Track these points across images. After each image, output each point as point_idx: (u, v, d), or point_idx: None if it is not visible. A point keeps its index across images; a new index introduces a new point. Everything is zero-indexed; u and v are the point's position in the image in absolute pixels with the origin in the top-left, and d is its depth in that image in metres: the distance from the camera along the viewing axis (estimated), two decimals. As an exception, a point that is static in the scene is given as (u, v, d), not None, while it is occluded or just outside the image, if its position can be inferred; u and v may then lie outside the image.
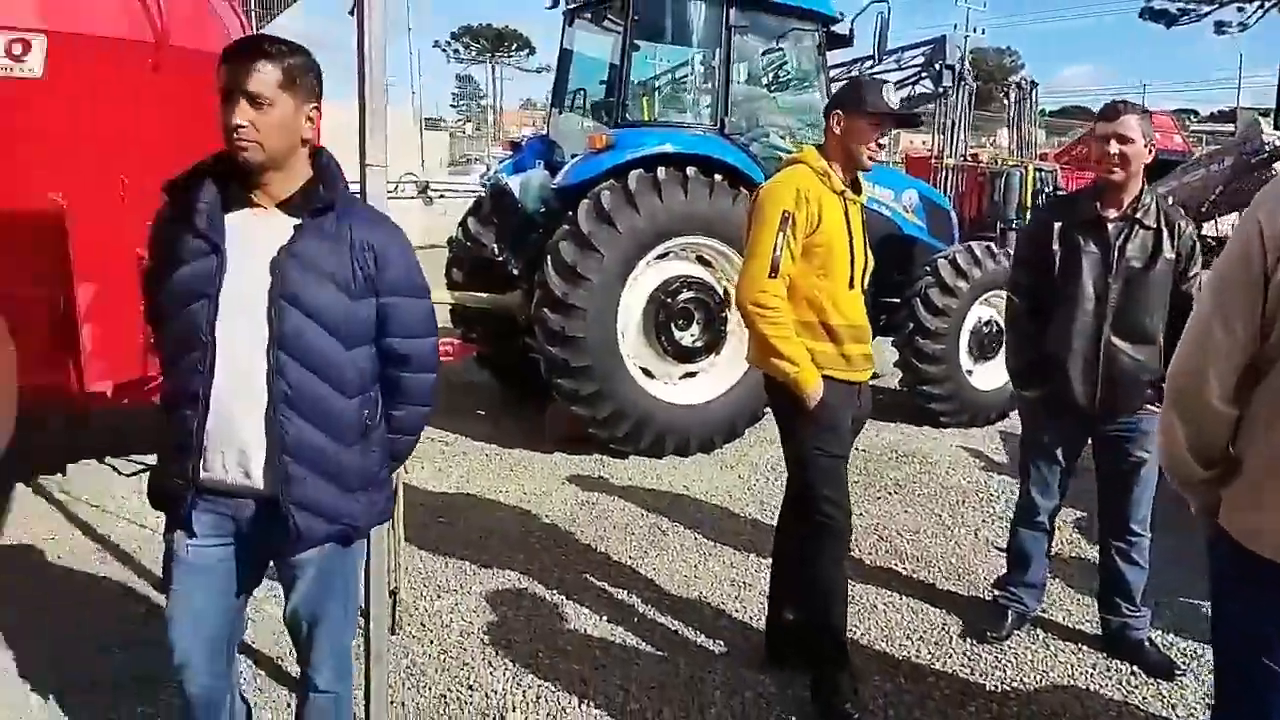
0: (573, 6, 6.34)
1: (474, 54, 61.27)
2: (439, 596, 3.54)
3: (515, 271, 5.72)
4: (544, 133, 6.90)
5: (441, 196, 18.68)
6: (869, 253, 2.88)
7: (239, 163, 1.78)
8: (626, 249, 5.13)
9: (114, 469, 4.71)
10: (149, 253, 1.95)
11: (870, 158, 2.79)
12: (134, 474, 4.61)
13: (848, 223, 2.76)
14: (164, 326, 1.87)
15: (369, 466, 1.98)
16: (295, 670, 2.89)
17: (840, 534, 2.82)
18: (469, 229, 6.28)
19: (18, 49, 3.36)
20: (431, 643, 3.18)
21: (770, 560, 3.18)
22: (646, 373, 5.46)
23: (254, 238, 1.81)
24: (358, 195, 2.08)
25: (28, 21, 3.38)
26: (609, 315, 5.13)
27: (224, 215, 1.81)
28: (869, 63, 7.28)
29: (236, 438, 1.82)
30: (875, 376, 3.60)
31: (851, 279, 2.78)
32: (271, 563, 2.03)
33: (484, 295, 6.01)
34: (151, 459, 5.02)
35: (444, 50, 60.64)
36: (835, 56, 6.94)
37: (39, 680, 2.84)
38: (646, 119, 6.04)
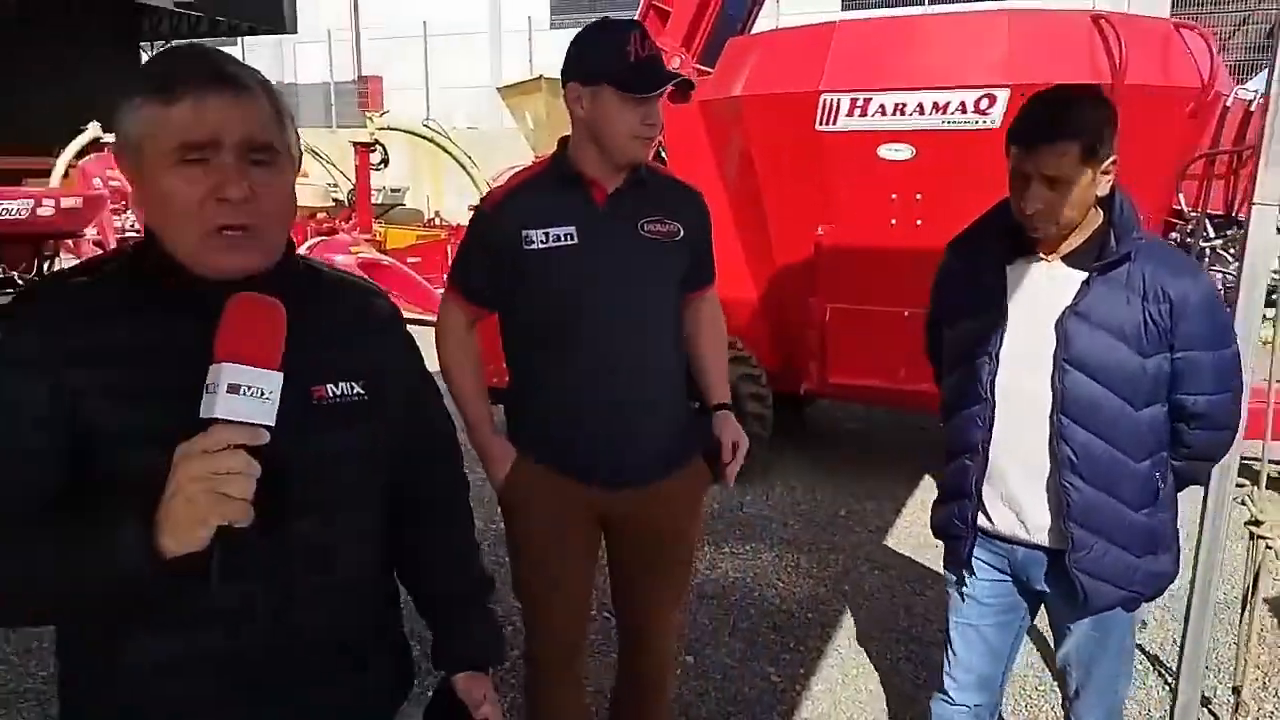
0: None
1: None
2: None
3: None
4: None
5: None
6: None
7: (1028, 231, 1.76)
8: None
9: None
10: (931, 300, 2.05)
11: None
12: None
13: None
14: (947, 376, 1.96)
15: (1156, 528, 1.84)
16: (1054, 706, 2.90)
17: None
18: None
19: (985, 103, 3.97)
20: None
21: None
22: None
23: (1036, 293, 1.78)
24: (1152, 241, 1.83)
25: (996, 79, 3.94)
26: None
27: (1006, 267, 1.82)
28: None
29: (1009, 492, 1.85)
30: None
31: None
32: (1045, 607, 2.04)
33: None
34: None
35: None
36: None
37: (839, 653, 3.31)
38: None
